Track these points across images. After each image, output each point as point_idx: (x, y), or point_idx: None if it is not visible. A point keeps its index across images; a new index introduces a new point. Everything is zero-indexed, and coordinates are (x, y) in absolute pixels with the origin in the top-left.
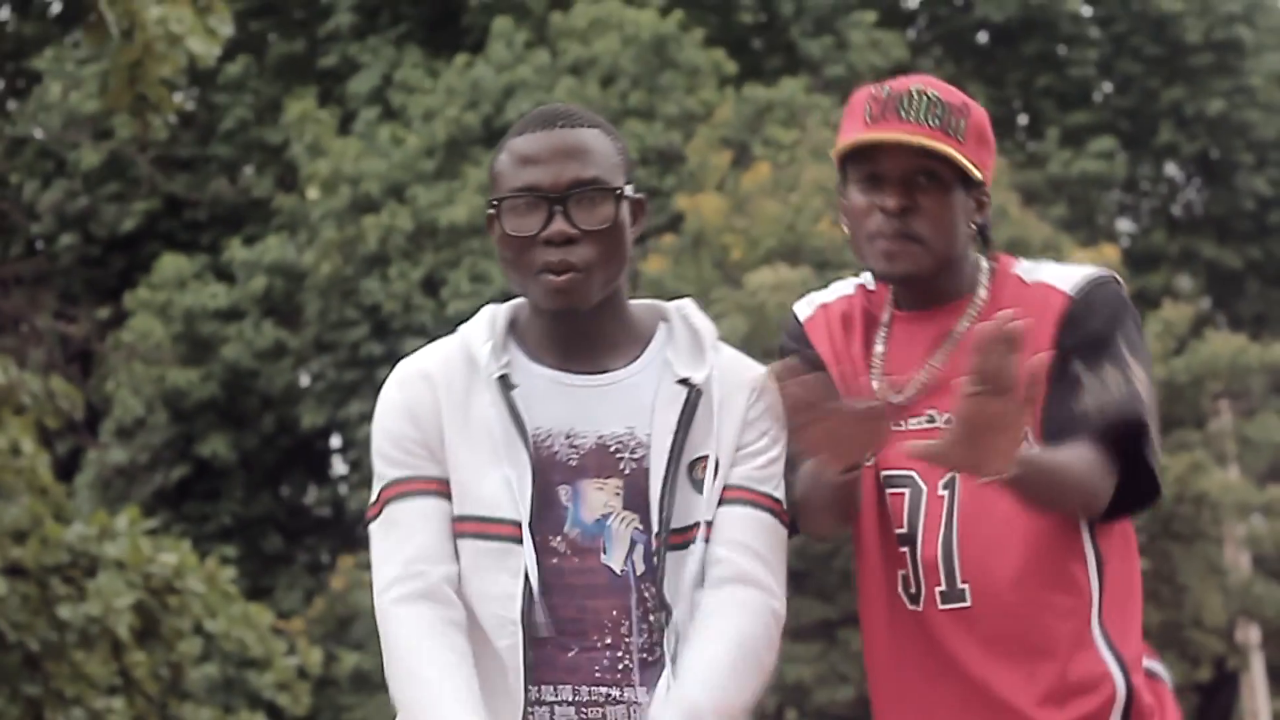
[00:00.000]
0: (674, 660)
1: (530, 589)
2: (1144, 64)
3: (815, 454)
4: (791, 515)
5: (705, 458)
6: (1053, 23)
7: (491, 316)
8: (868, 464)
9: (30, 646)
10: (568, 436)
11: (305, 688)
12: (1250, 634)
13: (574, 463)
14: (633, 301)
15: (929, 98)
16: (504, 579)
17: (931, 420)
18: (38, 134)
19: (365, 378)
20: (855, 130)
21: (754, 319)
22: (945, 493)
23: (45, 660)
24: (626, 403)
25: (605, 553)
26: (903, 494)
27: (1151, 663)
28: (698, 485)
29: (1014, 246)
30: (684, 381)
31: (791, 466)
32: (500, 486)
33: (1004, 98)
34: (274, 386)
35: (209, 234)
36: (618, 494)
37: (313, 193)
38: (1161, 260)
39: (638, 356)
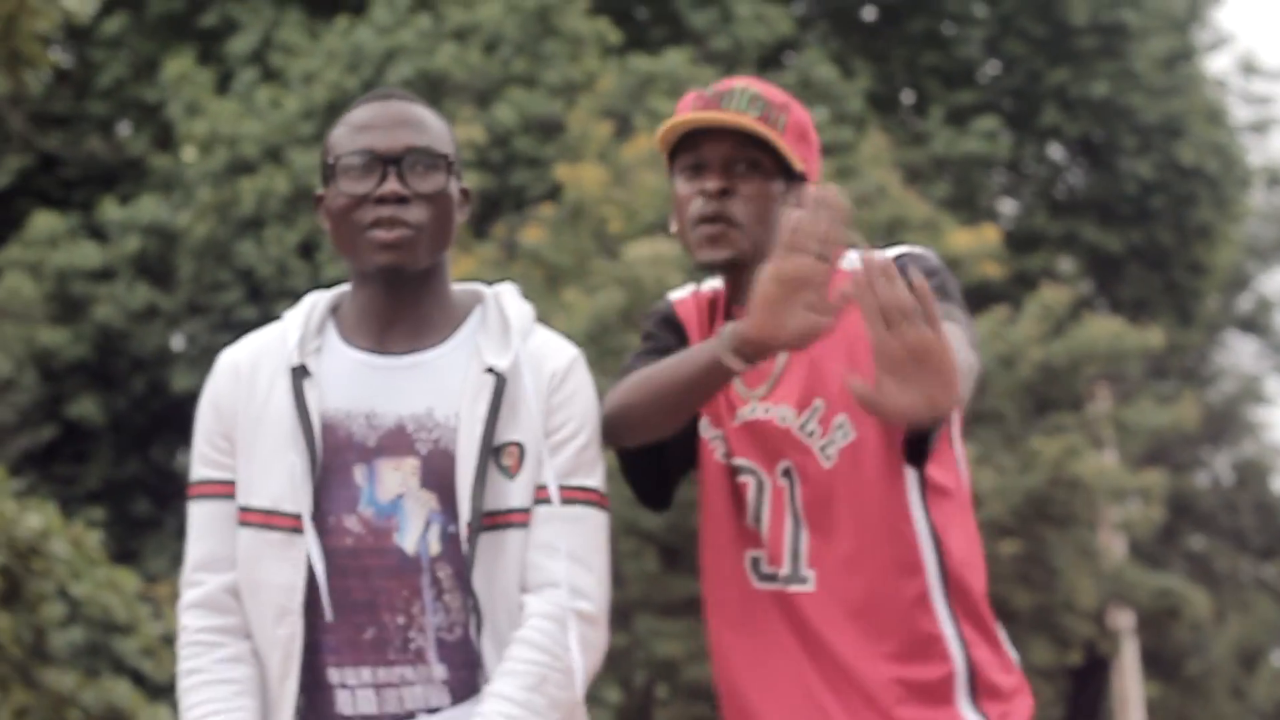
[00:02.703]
0: (483, 649)
1: (313, 577)
2: (1029, 45)
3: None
4: (611, 427)
5: (513, 444)
6: (939, 1)
7: (312, 303)
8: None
9: None
10: (368, 417)
11: (171, 654)
12: (1122, 619)
13: (371, 443)
14: (455, 285)
15: (751, 93)
16: (286, 569)
17: (753, 411)
18: None
19: (238, 341)
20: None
21: (631, 291)
22: (785, 482)
23: None
24: (430, 383)
25: (399, 531)
26: (748, 482)
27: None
28: (505, 472)
29: (894, 225)
30: (491, 370)
31: (622, 373)
32: (284, 478)
33: (889, 75)
34: (146, 348)
35: (83, 192)
36: (415, 475)
37: (189, 153)
38: (1043, 242)
39: (448, 337)
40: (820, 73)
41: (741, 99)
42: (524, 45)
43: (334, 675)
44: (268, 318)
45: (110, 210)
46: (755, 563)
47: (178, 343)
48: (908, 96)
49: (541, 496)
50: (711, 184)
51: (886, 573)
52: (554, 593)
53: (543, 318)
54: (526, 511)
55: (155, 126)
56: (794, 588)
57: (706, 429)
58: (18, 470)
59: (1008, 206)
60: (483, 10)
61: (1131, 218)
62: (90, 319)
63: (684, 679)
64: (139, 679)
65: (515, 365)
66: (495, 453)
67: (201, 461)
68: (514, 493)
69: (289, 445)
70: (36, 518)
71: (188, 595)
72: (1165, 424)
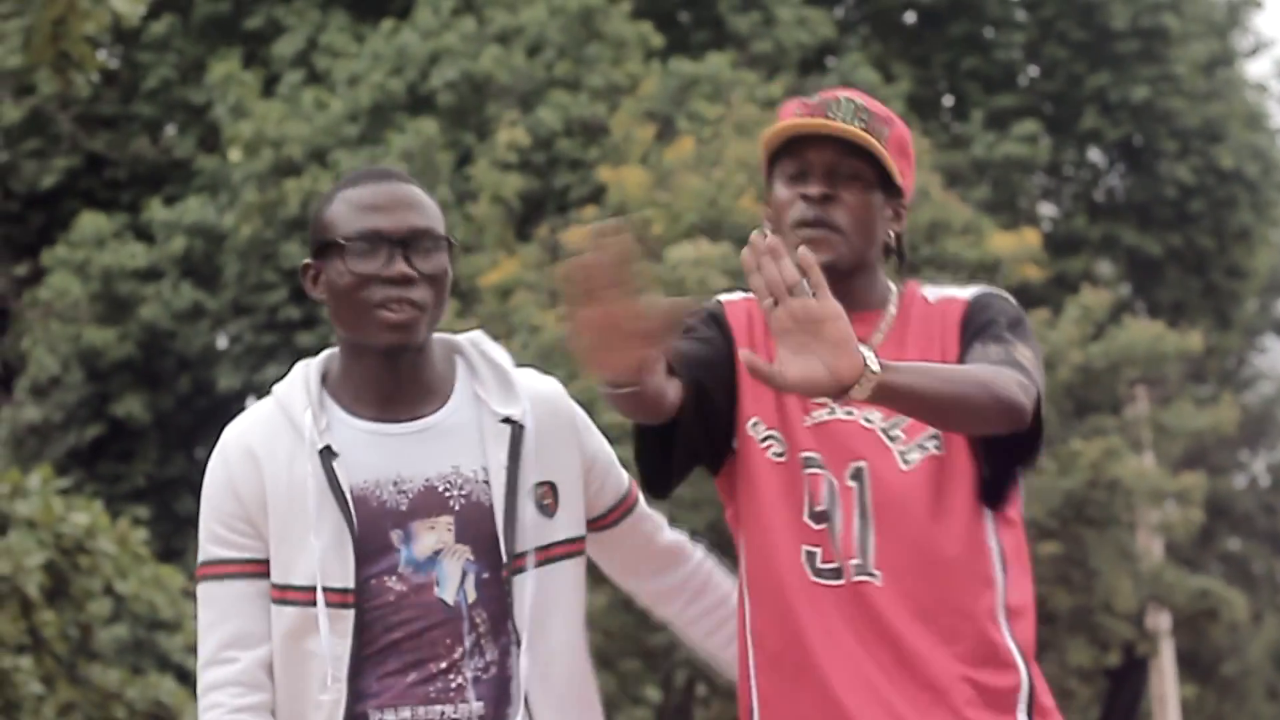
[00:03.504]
0: (523, 679)
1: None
2: (1070, 49)
3: (584, 338)
4: None
5: (545, 484)
6: (980, 5)
7: (304, 377)
8: (636, 389)
9: None
10: (395, 484)
11: None
12: (1160, 621)
13: (404, 507)
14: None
15: (857, 104)
16: (335, 640)
17: (833, 412)
18: None
19: (283, 341)
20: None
21: (673, 293)
22: (853, 484)
23: None
24: (447, 443)
25: (439, 586)
26: (821, 475)
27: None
28: (545, 511)
29: (935, 228)
30: (507, 420)
31: None
32: (326, 555)
33: (929, 79)
34: (191, 348)
35: (129, 193)
36: (449, 530)
37: (235, 154)
38: (1082, 245)
39: (449, 396)
40: (861, 76)
41: (847, 109)
42: (567, 48)
43: (374, 715)
44: (312, 318)
45: (156, 211)
46: (811, 557)
47: (223, 342)
48: (948, 100)
49: (612, 517)
50: (814, 189)
51: (962, 581)
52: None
53: None
54: (575, 541)
55: (201, 128)
56: (861, 578)
57: (757, 428)
58: (64, 469)
59: (1047, 210)
60: (526, 13)
61: (1171, 221)
62: (136, 319)
63: (724, 678)
64: (183, 675)
65: (525, 413)
66: (534, 493)
67: (218, 543)
68: (558, 528)
69: (323, 523)
70: (83, 515)
71: (219, 673)
72: (1204, 427)
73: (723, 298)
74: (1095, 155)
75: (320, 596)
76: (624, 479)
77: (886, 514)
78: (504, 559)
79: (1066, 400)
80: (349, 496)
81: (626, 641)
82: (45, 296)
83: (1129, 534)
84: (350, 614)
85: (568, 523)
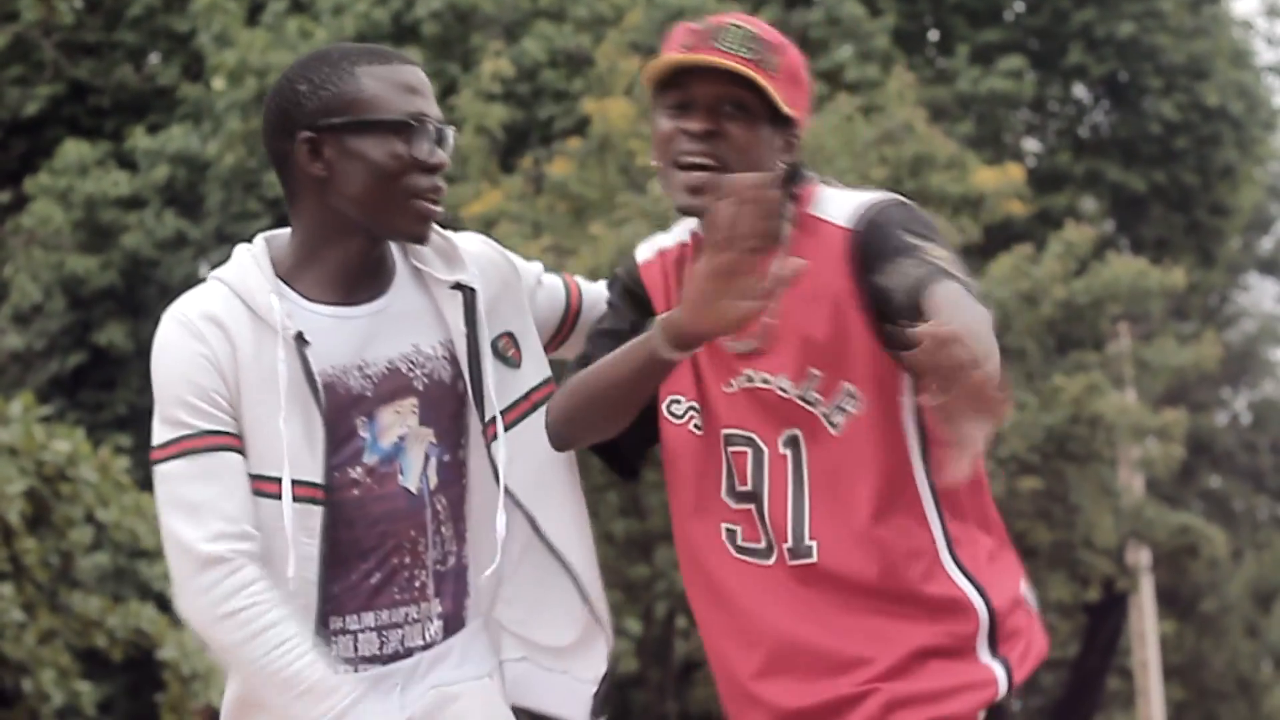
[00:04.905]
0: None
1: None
2: None
3: (707, 285)
4: (558, 435)
5: (504, 335)
6: None
7: (254, 262)
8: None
9: None
10: (360, 369)
11: None
12: (1140, 557)
13: (370, 393)
14: None
15: (745, 32)
16: (302, 539)
17: (750, 380)
18: None
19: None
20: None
21: (657, 225)
22: (788, 451)
23: None
24: (405, 322)
25: (402, 474)
26: (745, 453)
27: (1024, 586)
28: (511, 363)
29: (919, 162)
30: (457, 286)
31: (578, 363)
32: (292, 444)
33: (915, 13)
34: (174, 276)
35: (112, 121)
36: (414, 412)
37: (218, 83)
38: (1066, 181)
39: (393, 276)
40: (847, 10)
41: (735, 37)
42: None
43: (335, 623)
44: None
45: (139, 139)
46: (731, 535)
47: (205, 271)
48: (934, 34)
49: (565, 329)
50: (697, 125)
51: (897, 538)
52: None
53: (569, 250)
54: (544, 385)
55: (185, 56)
56: (797, 561)
57: (678, 404)
58: (46, 396)
59: (1032, 145)
60: None
61: (1155, 158)
62: (119, 247)
63: None
64: (164, 604)
65: (473, 276)
66: (493, 346)
67: (196, 415)
68: (527, 375)
69: (293, 412)
70: (64, 443)
71: (240, 545)
72: (1186, 363)
73: (638, 257)
74: (1080, 91)
75: (288, 489)
76: (559, 289)
77: (822, 481)
78: (478, 426)
79: (1049, 336)
80: (320, 385)
81: (607, 573)
82: (28, 224)
83: (1110, 470)
84: (319, 510)
85: (534, 367)
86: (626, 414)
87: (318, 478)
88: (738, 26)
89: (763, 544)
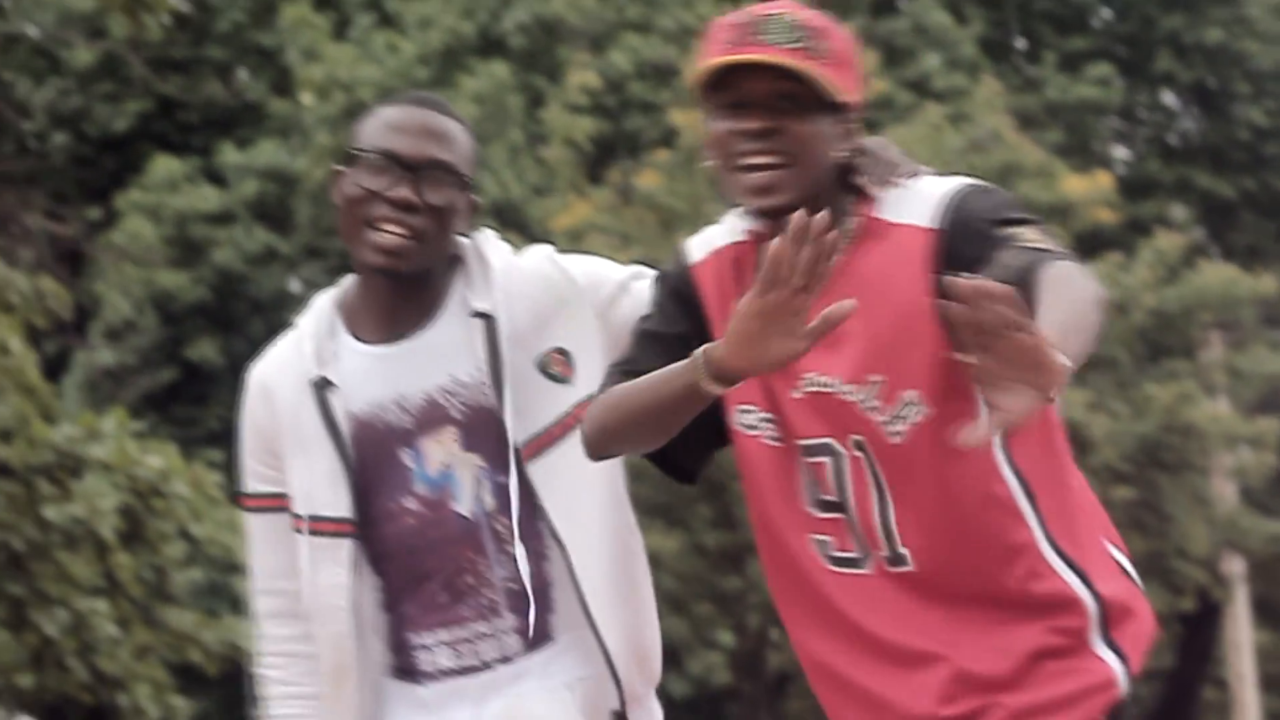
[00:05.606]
0: (564, 573)
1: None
2: None
3: (754, 323)
4: (592, 446)
5: (556, 351)
6: None
7: (319, 308)
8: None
9: (15, 546)
10: (397, 403)
11: None
12: (1235, 566)
13: (409, 425)
14: None
15: (788, 21)
16: (335, 569)
17: (812, 384)
18: (31, 31)
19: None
20: (713, 57)
21: None
22: (860, 454)
23: (30, 560)
24: (441, 353)
25: (455, 500)
26: (824, 462)
27: (1121, 559)
28: (557, 378)
29: (1007, 171)
30: (478, 314)
31: (610, 374)
32: (314, 484)
33: (1002, 20)
34: (264, 291)
35: (201, 136)
36: (455, 440)
37: (307, 98)
38: (1156, 189)
39: (438, 307)
40: (934, 18)
41: (779, 27)
42: None
43: (413, 639)
44: None
45: (229, 154)
46: (822, 546)
47: (295, 285)
48: (1021, 43)
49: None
50: (754, 124)
51: (991, 539)
52: None
53: (658, 262)
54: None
55: (273, 71)
56: (896, 569)
57: (749, 414)
58: (138, 412)
59: (1120, 153)
60: None
61: (1245, 164)
62: (209, 262)
63: None
64: None
65: (497, 302)
66: (541, 364)
67: (254, 477)
68: (579, 389)
69: (318, 453)
70: (157, 459)
71: (270, 603)
72: (1278, 370)
73: (689, 257)
74: (1169, 98)
75: (305, 525)
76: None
77: (896, 488)
78: (514, 446)
79: (1140, 344)
80: (341, 426)
81: (699, 585)
82: (118, 240)
83: (1203, 479)
84: (346, 543)
85: (588, 383)
86: (664, 434)
87: (344, 512)
88: (780, 17)
89: (857, 553)
